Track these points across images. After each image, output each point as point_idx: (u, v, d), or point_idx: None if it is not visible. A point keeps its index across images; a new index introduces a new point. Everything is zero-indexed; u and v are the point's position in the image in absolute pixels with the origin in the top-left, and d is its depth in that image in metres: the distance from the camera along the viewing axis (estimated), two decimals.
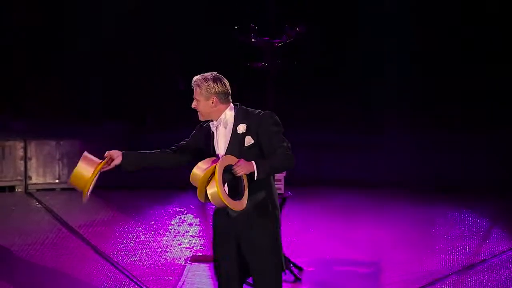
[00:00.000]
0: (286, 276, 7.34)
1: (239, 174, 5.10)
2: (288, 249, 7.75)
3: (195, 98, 5.29)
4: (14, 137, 10.65)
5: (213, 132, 5.32)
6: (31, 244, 8.41)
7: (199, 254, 8.20)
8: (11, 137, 10.66)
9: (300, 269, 7.66)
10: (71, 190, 10.49)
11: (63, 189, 10.56)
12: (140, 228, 8.98)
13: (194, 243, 8.51)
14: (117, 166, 5.49)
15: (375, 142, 11.31)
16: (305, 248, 8.28)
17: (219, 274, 5.32)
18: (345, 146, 10.98)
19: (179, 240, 8.61)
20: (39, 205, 9.92)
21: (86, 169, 5.35)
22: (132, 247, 8.38)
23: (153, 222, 9.19)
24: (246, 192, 5.15)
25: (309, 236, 8.70)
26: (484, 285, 7.36)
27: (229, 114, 5.28)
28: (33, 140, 10.56)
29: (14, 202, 10.10)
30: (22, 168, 10.44)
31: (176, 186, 10.47)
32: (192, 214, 9.49)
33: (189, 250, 8.29)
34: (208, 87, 5.26)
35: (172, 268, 7.81)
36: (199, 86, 5.28)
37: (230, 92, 5.32)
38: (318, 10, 12.79)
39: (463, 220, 9.17)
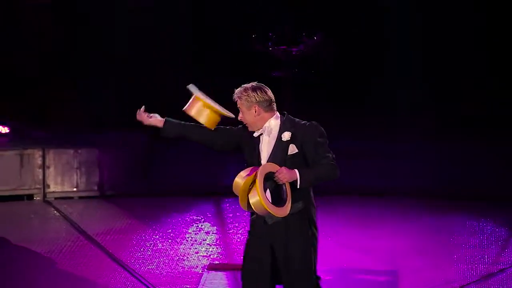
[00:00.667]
0: None
1: (281, 182, 5.11)
2: None
3: (239, 108, 5.34)
4: (32, 145, 10.70)
5: (256, 140, 5.33)
6: (49, 252, 8.44)
7: (216, 262, 8.19)
8: (30, 145, 10.71)
9: (318, 277, 7.63)
10: (89, 199, 10.55)
11: (81, 198, 10.59)
12: (157, 236, 8.98)
13: (211, 251, 8.51)
14: (159, 130, 5.51)
15: (392, 151, 11.28)
16: (323, 256, 8.21)
17: (245, 276, 5.30)
18: (362, 154, 10.96)
19: (196, 248, 8.61)
20: (57, 214, 9.96)
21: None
22: (149, 255, 8.39)
23: (170, 230, 9.20)
24: (290, 198, 5.16)
25: (327, 244, 8.68)
26: None
27: (274, 122, 5.30)
28: (51, 149, 10.60)
29: (32, 210, 10.14)
30: (41, 177, 10.48)
31: (193, 194, 10.49)
32: (209, 222, 9.49)
33: (206, 258, 8.29)
34: (248, 96, 5.30)
35: (189, 276, 7.81)
36: (239, 97, 5.33)
37: (274, 100, 5.34)
38: (335, 19, 12.80)
39: (482, 229, 9.12)
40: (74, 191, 10.60)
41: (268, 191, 5.15)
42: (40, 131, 12.22)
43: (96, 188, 10.61)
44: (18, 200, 10.46)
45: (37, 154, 10.52)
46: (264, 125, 5.30)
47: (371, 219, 9.61)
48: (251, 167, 5.19)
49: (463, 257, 8.21)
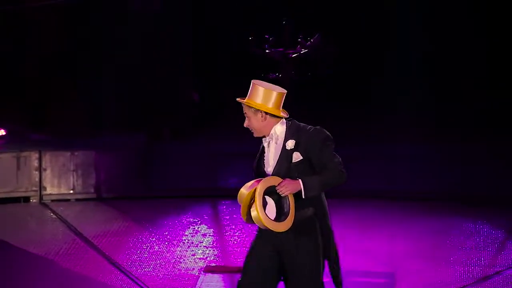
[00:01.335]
0: None
1: (284, 195, 5.08)
2: None
3: (245, 114, 5.27)
4: (29, 148, 10.69)
5: (264, 147, 5.30)
6: (45, 254, 8.43)
7: (213, 264, 8.18)
8: (26, 148, 10.71)
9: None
10: (85, 201, 10.54)
11: (77, 200, 10.58)
12: (154, 239, 8.97)
13: (208, 253, 8.50)
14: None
15: (390, 153, 11.28)
16: None
17: (240, 281, 5.27)
18: (359, 157, 10.95)
19: (193, 250, 8.60)
20: (54, 216, 9.94)
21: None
22: (146, 257, 8.38)
23: (167, 233, 9.19)
24: (292, 212, 5.12)
25: None
26: None
27: (279, 129, 5.25)
28: (48, 151, 10.60)
29: (29, 212, 10.13)
30: (37, 179, 10.48)
31: (190, 196, 10.48)
32: (206, 225, 9.49)
33: (203, 260, 8.28)
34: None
35: (186, 278, 7.80)
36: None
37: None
38: (334, 20, 12.81)
39: (478, 231, 9.12)
40: (70, 193, 10.59)
41: (272, 203, 5.11)
42: (37, 133, 12.22)
43: (92, 190, 10.60)
44: (15, 202, 10.45)
45: (33, 156, 10.51)
46: (271, 132, 5.26)
47: (369, 222, 9.61)
48: (257, 180, 5.15)
49: (460, 259, 8.21)
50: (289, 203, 5.11)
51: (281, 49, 10.90)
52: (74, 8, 13.07)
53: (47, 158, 10.55)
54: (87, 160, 10.63)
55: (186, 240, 8.94)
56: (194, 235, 9.11)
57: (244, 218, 5.16)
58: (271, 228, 5.07)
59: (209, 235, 9.09)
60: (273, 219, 5.09)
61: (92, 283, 7.67)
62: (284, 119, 5.27)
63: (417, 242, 8.81)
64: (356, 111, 12.94)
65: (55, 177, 10.56)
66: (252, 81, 5.29)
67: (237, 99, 5.30)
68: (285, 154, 5.19)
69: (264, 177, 5.21)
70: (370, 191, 10.54)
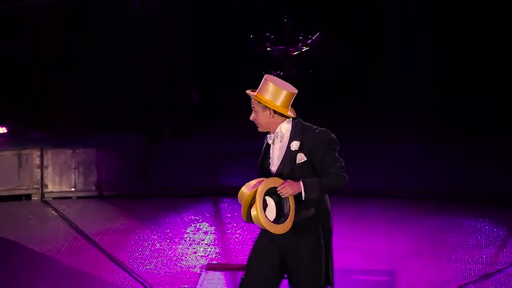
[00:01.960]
0: None
1: (284, 196, 5.08)
2: None
3: (253, 108, 5.25)
4: (30, 145, 10.70)
5: (269, 145, 5.29)
6: (47, 252, 8.44)
7: (215, 262, 8.19)
8: (28, 145, 10.72)
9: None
10: (87, 199, 10.55)
11: (79, 198, 10.59)
12: (155, 236, 8.98)
13: (210, 251, 8.51)
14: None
15: (390, 152, 11.28)
16: None
17: (245, 275, 5.28)
18: (358, 156, 10.96)
19: (194, 248, 8.61)
20: (55, 214, 9.95)
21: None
22: (148, 255, 8.39)
23: (168, 231, 9.20)
24: (292, 214, 5.12)
25: None
26: None
27: (285, 128, 5.24)
28: (49, 149, 10.60)
29: (30, 210, 10.14)
30: (39, 177, 10.48)
31: (191, 194, 10.49)
32: (207, 223, 9.50)
33: (205, 258, 8.29)
34: None
35: (188, 276, 7.81)
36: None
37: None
38: (335, 19, 12.80)
39: (480, 229, 9.12)
40: (72, 191, 10.60)
41: (272, 204, 5.12)
42: (38, 131, 12.22)
43: (94, 188, 10.61)
44: (16, 200, 10.45)
45: (35, 154, 10.52)
46: (276, 130, 5.25)
47: (369, 220, 9.62)
48: (259, 180, 5.15)
49: (461, 257, 8.22)
50: (289, 205, 5.12)
51: (282, 47, 10.89)
52: (74, 7, 13.07)
53: (48, 156, 10.55)
54: (89, 158, 10.64)
55: (188, 238, 8.95)
56: (195, 233, 9.12)
57: (244, 217, 5.18)
58: (269, 230, 5.09)
59: (211, 233, 9.10)
60: (272, 220, 5.11)
61: (93, 280, 7.69)
62: (290, 118, 5.27)
63: (417, 240, 8.81)
64: (355, 110, 12.94)
65: (57, 175, 10.57)
66: (265, 75, 5.28)
67: (247, 91, 5.28)
68: (289, 155, 5.19)
69: (269, 175, 5.23)
70: (370, 190, 10.55)
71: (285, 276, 5.34)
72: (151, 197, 10.52)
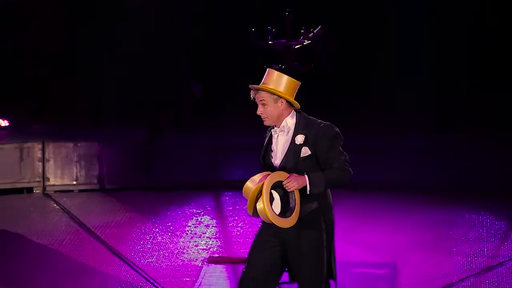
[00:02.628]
0: None
1: (290, 190, 5.07)
2: None
3: (263, 101, 5.22)
4: (32, 139, 10.71)
5: (271, 137, 5.28)
6: (49, 245, 8.45)
7: (216, 255, 8.20)
8: (30, 139, 10.72)
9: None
10: (89, 192, 10.55)
11: (80, 191, 10.60)
12: (157, 230, 8.99)
13: (211, 244, 8.52)
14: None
15: (391, 145, 11.27)
16: None
17: (246, 270, 5.28)
18: (361, 149, 10.95)
19: (196, 241, 8.61)
20: (57, 207, 9.96)
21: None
22: (149, 248, 8.39)
23: (169, 224, 9.20)
24: (298, 208, 5.11)
25: None
26: None
27: (290, 121, 5.24)
28: (51, 142, 10.61)
29: (32, 203, 10.14)
30: (40, 170, 10.49)
31: (192, 187, 10.49)
32: (209, 216, 9.50)
33: (206, 251, 8.30)
34: None
35: (189, 269, 7.82)
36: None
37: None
38: (336, 12, 12.78)
39: (481, 222, 9.12)
40: (73, 184, 10.60)
41: (278, 198, 5.11)
42: (40, 124, 12.22)
43: (95, 181, 10.61)
44: (18, 193, 10.46)
45: (36, 147, 10.52)
46: (282, 124, 5.23)
47: (371, 213, 9.62)
48: (264, 174, 5.14)
49: (462, 250, 8.22)
50: (295, 198, 5.11)
51: (283, 41, 10.88)
52: (73, 2, 13.08)
53: (50, 149, 10.56)
54: (90, 151, 10.64)
55: (189, 231, 8.95)
56: (197, 226, 9.13)
57: (250, 212, 5.17)
58: (276, 223, 5.08)
59: (212, 226, 9.10)
60: (278, 213, 5.10)
61: (95, 273, 7.69)
62: (294, 111, 5.27)
63: (419, 233, 8.81)
64: (357, 103, 12.93)
65: (58, 168, 10.57)
66: (268, 69, 5.28)
67: (261, 85, 5.24)
68: (293, 148, 5.19)
69: (271, 169, 5.22)
70: (372, 183, 10.54)
71: (286, 269, 5.34)
72: (152, 190, 10.52)
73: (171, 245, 8.49)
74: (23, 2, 13.04)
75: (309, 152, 5.17)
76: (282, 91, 5.19)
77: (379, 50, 13.01)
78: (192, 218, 9.42)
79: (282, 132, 5.24)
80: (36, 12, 13.16)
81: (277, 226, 5.11)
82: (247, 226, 8.95)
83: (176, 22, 13.12)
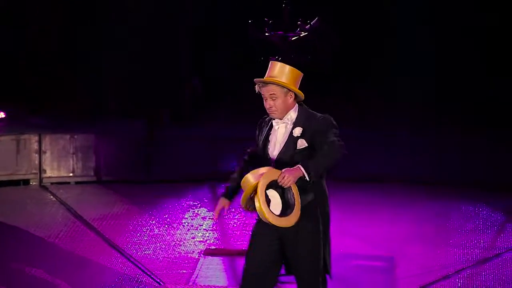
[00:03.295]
0: None
1: (286, 186, 5.05)
2: None
3: (273, 95, 5.20)
4: (29, 131, 10.69)
5: (271, 128, 5.28)
6: (45, 237, 8.44)
7: (213, 247, 8.20)
8: (26, 130, 10.71)
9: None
10: (85, 184, 10.55)
11: (77, 183, 10.59)
12: (153, 222, 8.99)
13: (208, 236, 8.52)
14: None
15: (389, 138, 11.28)
16: None
17: (246, 266, 5.28)
18: (359, 142, 10.96)
19: (192, 233, 8.62)
20: (54, 199, 9.95)
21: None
22: (146, 240, 8.39)
23: (166, 216, 9.20)
24: (298, 202, 5.06)
25: None
26: (498, 279, 7.33)
27: (293, 114, 5.26)
28: (47, 134, 10.60)
29: (28, 195, 10.14)
30: (37, 162, 10.48)
31: (189, 180, 10.49)
32: (205, 208, 9.50)
33: (203, 243, 8.30)
34: None
35: (186, 261, 7.82)
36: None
37: None
38: (334, 4, 12.78)
39: (478, 214, 9.14)
40: (70, 176, 10.60)
41: (277, 197, 5.07)
42: (37, 116, 12.22)
43: (92, 173, 10.61)
44: (14, 185, 10.46)
45: (33, 139, 10.51)
46: (287, 116, 5.24)
47: (368, 205, 9.63)
48: (267, 169, 5.11)
49: (459, 242, 8.23)
50: (293, 193, 5.07)
51: (280, 32, 10.86)
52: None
53: (47, 141, 10.55)
54: (87, 143, 10.63)
55: (186, 223, 8.96)
56: (193, 218, 9.13)
57: (242, 205, 5.15)
58: (277, 225, 5.04)
59: (209, 218, 9.11)
60: (279, 213, 5.06)
61: (92, 265, 7.69)
62: (297, 105, 5.28)
63: (416, 225, 8.82)
64: (355, 94, 12.93)
65: (55, 160, 10.56)
66: (272, 61, 5.27)
67: (270, 78, 5.21)
68: (291, 140, 5.19)
69: (268, 160, 5.20)
70: (369, 176, 10.55)
71: (283, 262, 5.34)
72: (149, 182, 10.52)
73: (168, 237, 8.49)
74: (23, 2, 13.04)
75: (305, 145, 5.17)
76: (290, 83, 5.19)
77: (378, 43, 13.01)
78: (189, 210, 9.42)
79: (283, 124, 5.25)
80: (36, 12, 13.16)
81: (283, 226, 5.07)
82: (243, 219, 8.96)
83: (176, 13, 13.12)
